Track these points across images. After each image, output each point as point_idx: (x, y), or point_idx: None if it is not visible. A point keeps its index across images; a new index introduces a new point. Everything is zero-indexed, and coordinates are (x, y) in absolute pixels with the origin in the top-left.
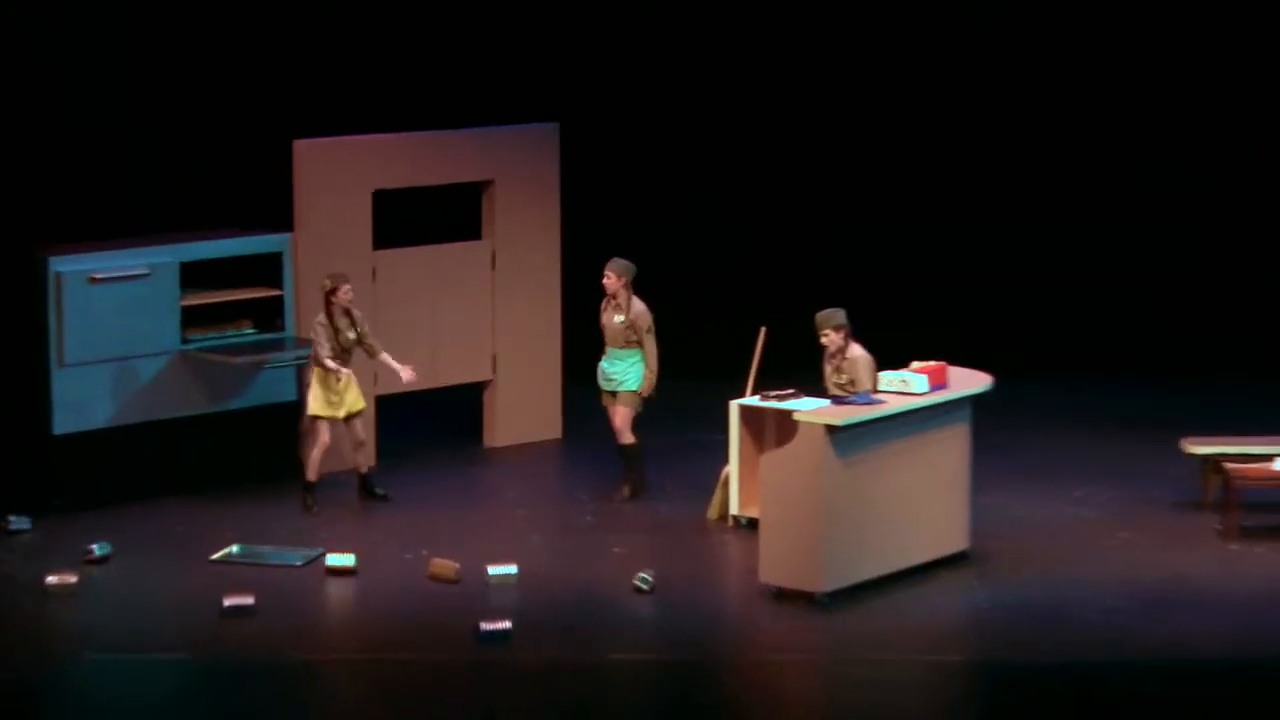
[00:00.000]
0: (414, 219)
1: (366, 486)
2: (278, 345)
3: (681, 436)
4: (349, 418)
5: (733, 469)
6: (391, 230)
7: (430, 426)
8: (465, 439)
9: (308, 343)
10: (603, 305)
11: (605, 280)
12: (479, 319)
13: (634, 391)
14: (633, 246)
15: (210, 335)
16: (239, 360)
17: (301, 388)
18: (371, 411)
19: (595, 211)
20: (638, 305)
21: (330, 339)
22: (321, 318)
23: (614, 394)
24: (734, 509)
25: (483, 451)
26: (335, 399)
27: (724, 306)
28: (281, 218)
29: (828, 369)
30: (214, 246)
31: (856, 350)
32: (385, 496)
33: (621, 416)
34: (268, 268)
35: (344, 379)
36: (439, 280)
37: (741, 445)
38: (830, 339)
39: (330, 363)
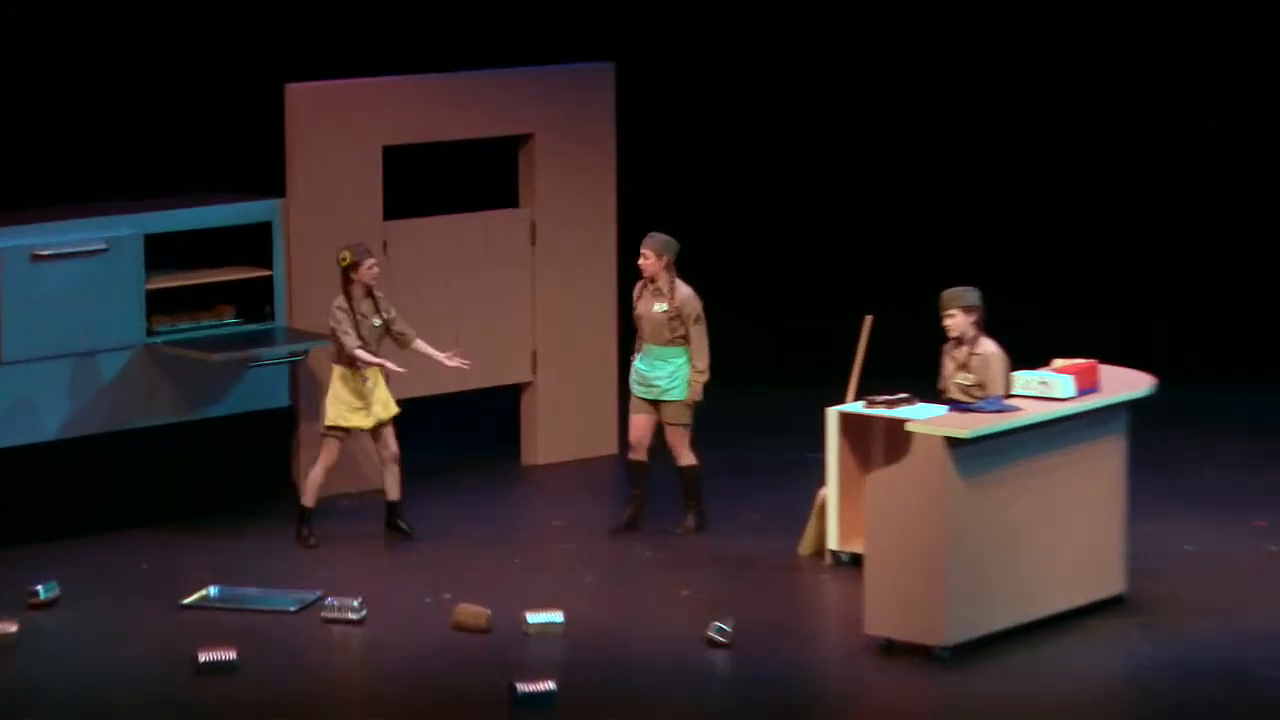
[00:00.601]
0: (434, 182)
1: (393, 517)
2: (266, 338)
3: (765, 453)
4: (378, 427)
5: (830, 493)
6: (406, 196)
7: (455, 440)
8: (498, 455)
9: (304, 335)
10: (637, 291)
11: (642, 260)
12: (515, 306)
13: (682, 402)
14: (703, 216)
15: (182, 325)
16: (218, 357)
17: (296, 390)
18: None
19: (659, 174)
20: (683, 290)
21: (352, 326)
22: (341, 301)
23: (654, 403)
24: (832, 543)
25: (520, 471)
26: (362, 405)
27: (811, 293)
28: (271, 180)
29: (948, 365)
30: (187, 216)
31: (988, 345)
32: (409, 532)
33: (674, 434)
34: (253, 242)
35: (373, 378)
36: (465, 258)
37: (842, 463)
38: (955, 323)
39: (365, 353)
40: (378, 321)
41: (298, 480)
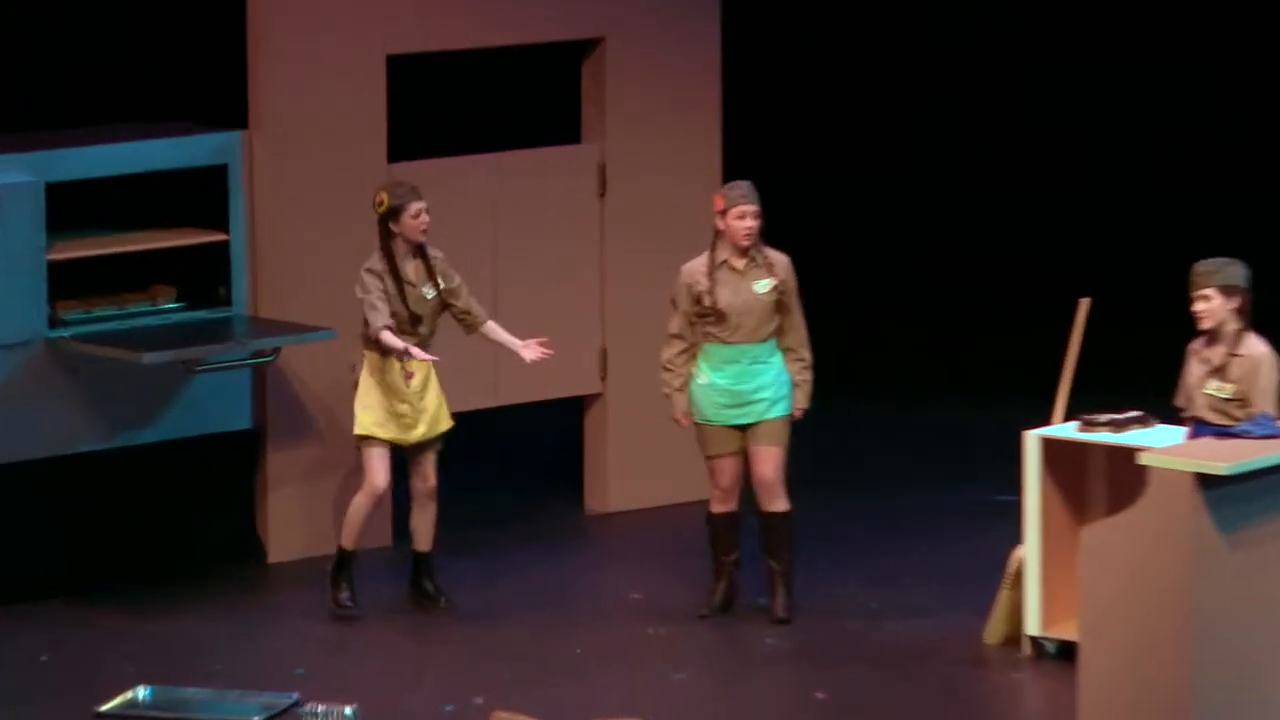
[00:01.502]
0: (459, 108)
1: (419, 575)
2: (219, 330)
3: (932, 495)
4: (420, 446)
5: (1030, 554)
6: (421, 128)
7: (493, 476)
8: (553, 498)
9: (274, 326)
10: (700, 273)
11: (741, 221)
12: (576, 286)
13: (787, 418)
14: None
15: (100, 313)
16: (149, 358)
17: (262, 406)
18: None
19: (779, 100)
20: (779, 256)
21: (393, 298)
22: (376, 261)
23: (745, 428)
24: (1032, 626)
25: (583, 521)
26: (406, 409)
27: (958, 286)
28: (227, 106)
29: (1195, 370)
30: (106, 157)
31: (1256, 344)
32: (436, 599)
33: (772, 462)
34: (202, 193)
35: (423, 375)
36: (504, 215)
37: (1046, 511)
38: (1211, 309)
39: (392, 337)
40: (431, 293)
41: (263, 533)
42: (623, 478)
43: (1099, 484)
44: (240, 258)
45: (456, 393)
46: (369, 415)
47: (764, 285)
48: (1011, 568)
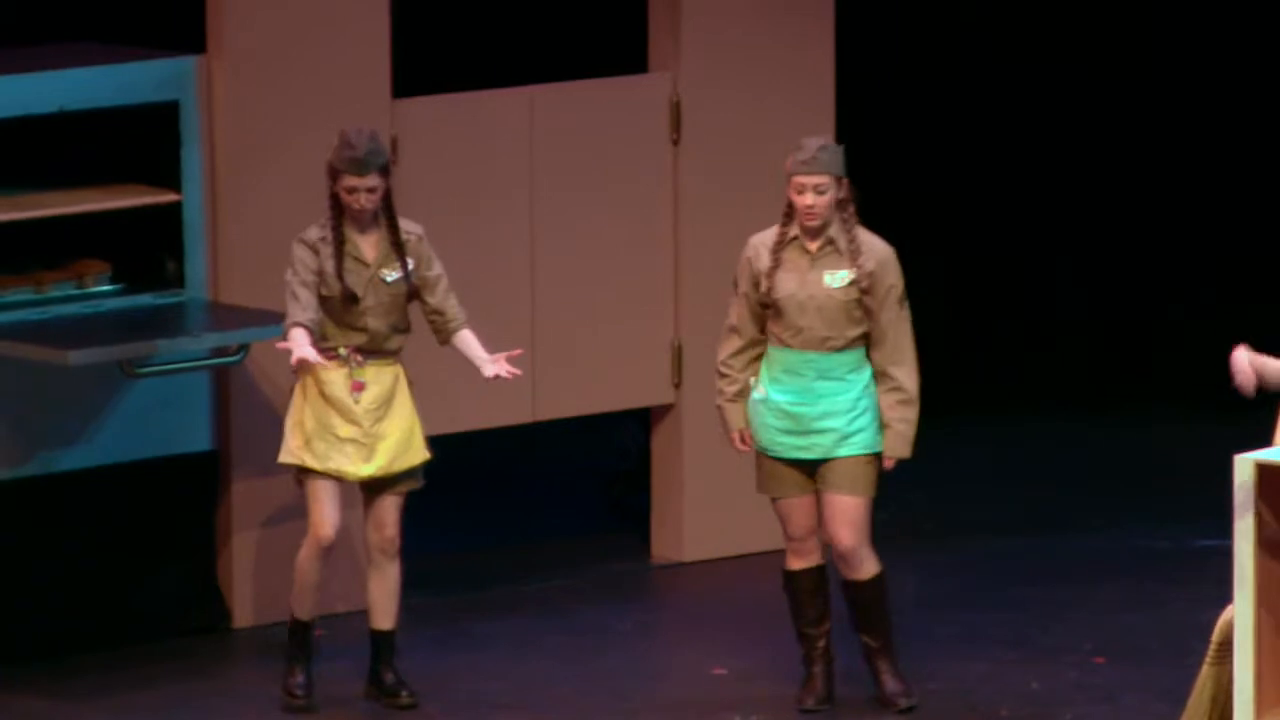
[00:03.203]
0: (487, 26)
1: (378, 664)
2: (167, 321)
3: (1109, 534)
4: (376, 486)
5: (1241, 617)
6: (434, 54)
7: (530, 513)
8: (610, 542)
9: (241, 315)
10: (764, 255)
11: (803, 197)
12: (641, 264)
13: (874, 457)
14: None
15: (11, 297)
16: (76, 357)
17: (225, 422)
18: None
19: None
20: (875, 244)
21: (329, 279)
22: (316, 229)
23: (814, 467)
24: (1243, 713)
25: (650, 572)
26: (353, 433)
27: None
28: (179, 23)
29: None
30: (17, 90)
31: None
32: (403, 695)
33: (847, 519)
34: (146, 140)
35: (372, 389)
36: (544, 170)
37: (1261, 560)
38: None
39: (299, 338)
40: (392, 276)
41: (224, 588)
42: (701, 516)
43: None
44: (195, 225)
45: (481, 405)
46: (297, 437)
47: (840, 278)
48: (1217, 636)
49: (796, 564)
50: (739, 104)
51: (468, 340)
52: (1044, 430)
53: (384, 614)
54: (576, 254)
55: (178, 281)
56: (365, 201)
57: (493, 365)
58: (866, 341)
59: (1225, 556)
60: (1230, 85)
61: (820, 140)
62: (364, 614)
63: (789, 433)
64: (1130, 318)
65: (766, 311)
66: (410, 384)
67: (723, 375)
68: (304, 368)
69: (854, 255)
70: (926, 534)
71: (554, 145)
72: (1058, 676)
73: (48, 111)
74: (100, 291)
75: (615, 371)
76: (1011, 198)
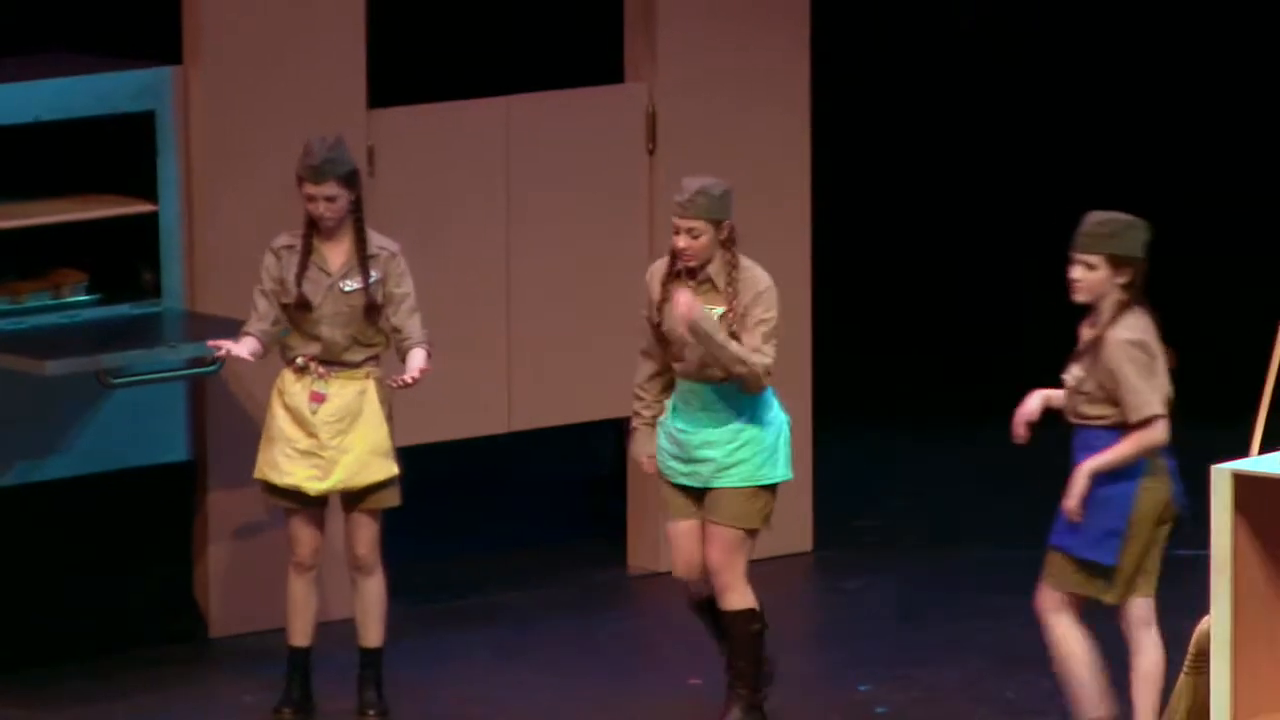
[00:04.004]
0: (464, 37)
1: (361, 680)
2: (144, 331)
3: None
4: (349, 503)
5: (1218, 626)
6: (412, 63)
7: (507, 523)
8: (586, 551)
9: (216, 325)
10: (663, 283)
11: (675, 235)
12: (617, 272)
13: (759, 490)
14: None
15: None
16: (53, 367)
17: (201, 432)
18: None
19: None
20: (756, 279)
21: (286, 285)
22: (286, 237)
23: (699, 495)
24: (1221, 718)
25: (629, 583)
26: (312, 446)
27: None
28: (156, 33)
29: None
30: (1, 99)
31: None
32: (369, 714)
33: (720, 545)
34: (122, 150)
35: (333, 400)
36: (520, 180)
37: (1239, 567)
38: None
39: (246, 342)
40: (350, 287)
41: (201, 599)
42: None
43: None
44: (172, 235)
45: (456, 415)
46: (266, 450)
47: (716, 314)
48: (1194, 646)
49: (689, 599)
50: (715, 114)
51: (412, 355)
52: (1032, 436)
53: (364, 631)
54: (552, 263)
55: (154, 291)
56: (324, 209)
57: (399, 379)
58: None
59: (1203, 566)
60: (1205, 82)
61: (702, 183)
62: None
63: (677, 458)
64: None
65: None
66: (384, 401)
67: (638, 398)
68: (229, 357)
69: (730, 294)
70: (905, 542)
71: (530, 155)
72: (1034, 685)
73: (24, 121)
74: (77, 301)
75: (592, 381)
76: (988, 202)
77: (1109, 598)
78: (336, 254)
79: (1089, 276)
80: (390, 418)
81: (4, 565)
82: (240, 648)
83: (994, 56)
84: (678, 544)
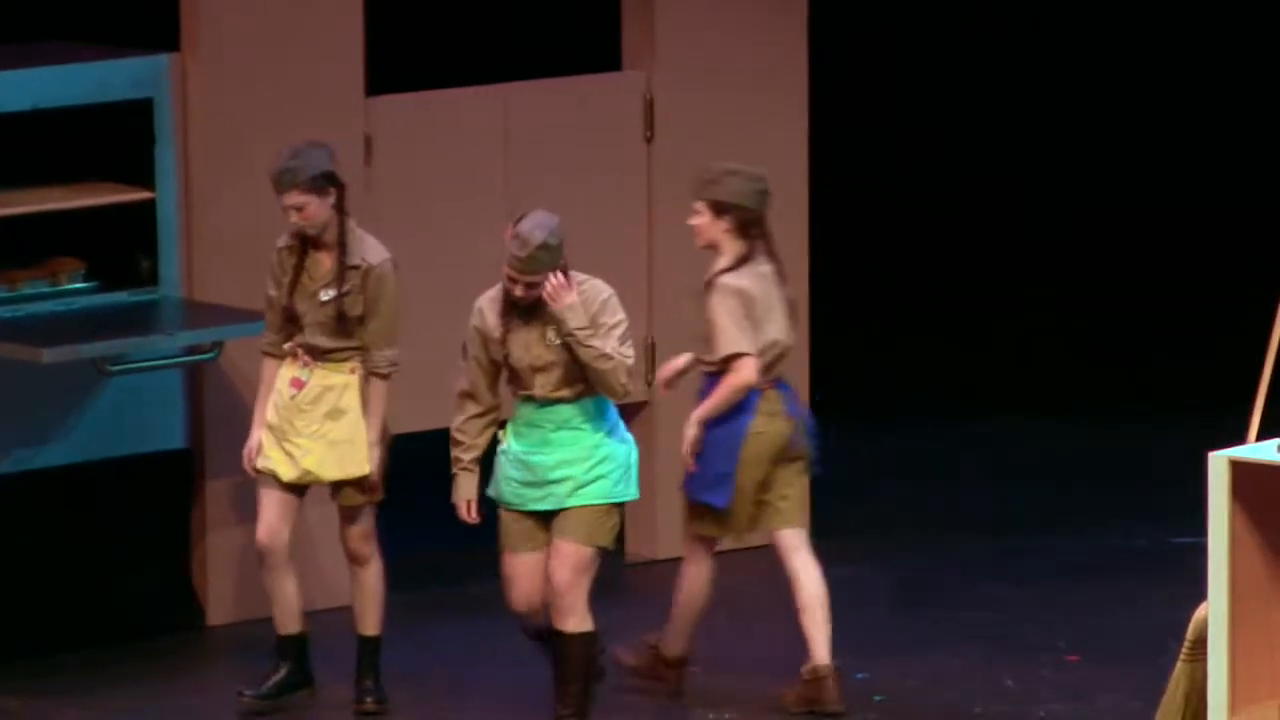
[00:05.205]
0: (461, 24)
1: (359, 669)
2: (141, 319)
3: (1081, 536)
4: (334, 492)
5: (1215, 614)
6: (409, 55)
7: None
8: None
9: (215, 312)
10: (501, 316)
11: (512, 282)
12: (614, 261)
13: (612, 508)
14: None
15: None
16: (50, 355)
17: (199, 420)
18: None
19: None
20: (591, 287)
21: (281, 289)
22: (287, 238)
23: (544, 521)
24: (1217, 711)
25: (625, 572)
26: (288, 430)
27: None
28: (154, 21)
29: None
30: None
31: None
32: (367, 701)
33: (568, 563)
34: (119, 136)
35: (311, 386)
36: (518, 168)
37: (1237, 556)
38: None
39: (278, 351)
40: (327, 296)
41: (199, 586)
42: (674, 513)
43: None
44: (169, 223)
45: (448, 404)
46: (264, 438)
47: (556, 335)
48: (1191, 633)
49: (525, 632)
50: (712, 102)
51: (371, 392)
52: (1020, 428)
53: (360, 619)
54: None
55: (152, 279)
56: (296, 219)
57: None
58: (586, 386)
59: (1200, 554)
60: (1204, 75)
61: (541, 237)
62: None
63: (527, 484)
64: (1105, 316)
65: (500, 373)
66: (365, 400)
67: (457, 442)
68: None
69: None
70: (902, 532)
71: (528, 143)
72: (1032, 674)
73: (21, 109)
74: (74, 289)
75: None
76: (984, 195)
77: (731, 537)
78: (323, 261)
79: (697, 222)
80: (370, 416)
81: (2, 553)
82: (238, 635)
83: (994, 46)
84: (517, 577)
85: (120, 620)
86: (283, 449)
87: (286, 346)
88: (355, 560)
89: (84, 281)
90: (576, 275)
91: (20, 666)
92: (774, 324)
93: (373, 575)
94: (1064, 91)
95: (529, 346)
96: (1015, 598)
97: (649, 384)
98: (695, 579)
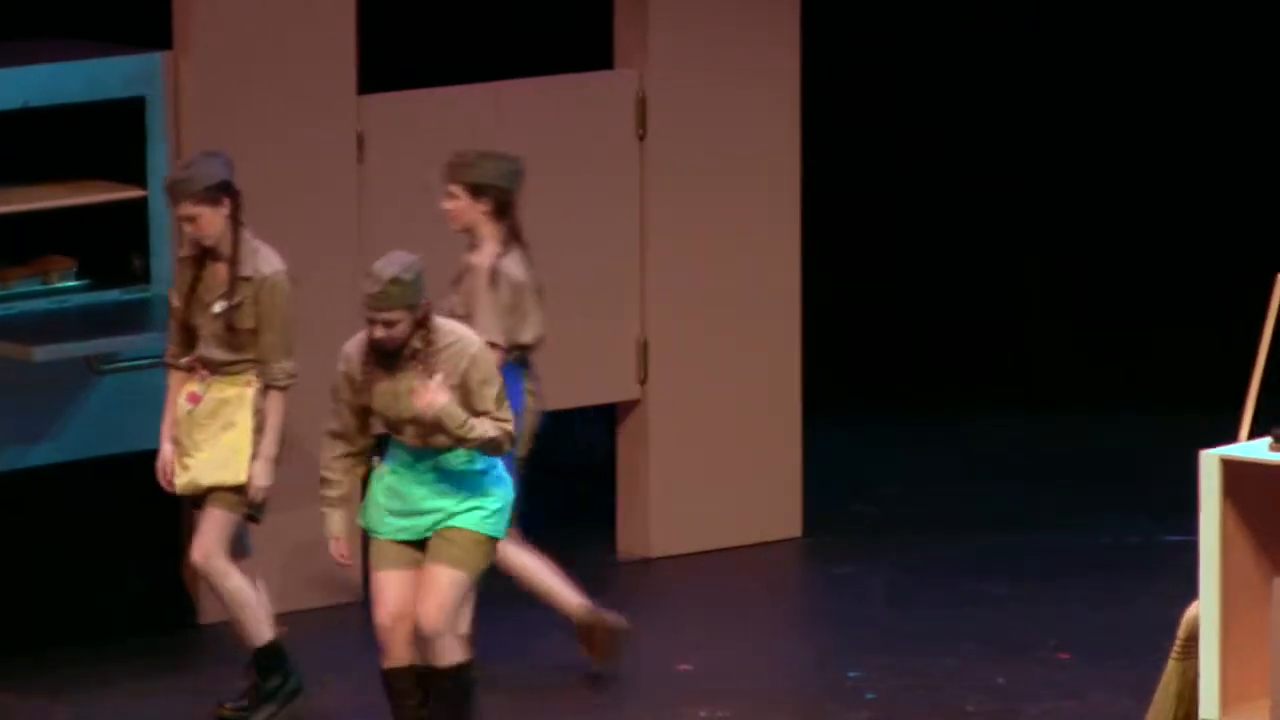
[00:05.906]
0: (453, 23)
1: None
2: (133, 317)
3: (1071, 533)
4: (196, 502)
5: (1206, 612)
6: (401, 53)
7: None
8: (575, 539)
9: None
10: (364, 364)
11: (370, 324)
12: (606, 259)
13: (486, 540)
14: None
15: None
16: (41, 353)
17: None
18: None
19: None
20: (458, 342)
21: (182, 300)
22: (187, 248)
23: (416, 546)
24: (1208, 708)
25: (618, 570)
26: (185, 446)
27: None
28: (146, 20)
29: None
30: None
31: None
32: (225, 707)
33: (440, 588)
34: (112, 135)
35: (206, 400)
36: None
37: (1227, 553)
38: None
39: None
40: (218, 308)
41: (191, 586)
42: (667, 511)
43: None
44: (161, 221)
45: None
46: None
47: (431, 385)
48: (1183, 631)
49: (386, 662)
50: (705, 100)
51: (268, 408)
52: (1012, 426)
53: (255, 629)
54: (542, 250)
55: (144, 277)
56: (190, 230)
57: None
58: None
59: (1192, 552)
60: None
61: (394, 271)
62: (316, 616)
63: (396, 513)
64: (1097, 316)
65: (370, 414)
66: (258, 411)
67: (326, 481)
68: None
69: (432, 365)
70: (895, 530)
71: (520, 141)
72: (1024, 672)
73: (13, 107)
74: (66, 287)
75: (580, 367)
76: (978, 194)
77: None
78: (218, 272)
79: (452, 205)
80: (266, 429)
81: None
82: (229, 634)
83: (991, 44)
84: (385, 588)
85: (111, 618)
86: (181, 463)
87: (183, 361)
88: (196, 569)
89: (76, 280)
90: (442, 324)
91: (11, 665)
92: (529, 309)
93: (224, 592)
94: (1063, 91)
95: (396, 398)
96: (1007, 596)
97: (641, 383)
98: (514, 556)
